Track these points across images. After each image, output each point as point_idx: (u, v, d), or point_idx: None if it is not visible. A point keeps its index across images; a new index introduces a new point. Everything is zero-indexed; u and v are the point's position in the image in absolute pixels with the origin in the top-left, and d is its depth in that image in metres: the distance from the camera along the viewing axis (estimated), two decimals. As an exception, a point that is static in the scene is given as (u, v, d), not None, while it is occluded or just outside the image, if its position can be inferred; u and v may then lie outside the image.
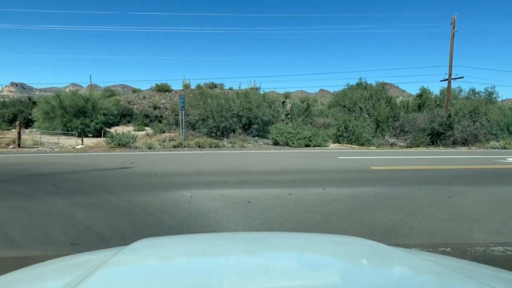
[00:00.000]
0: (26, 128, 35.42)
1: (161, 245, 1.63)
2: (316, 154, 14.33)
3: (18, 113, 43.87)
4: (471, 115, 22.72)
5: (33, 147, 17.05)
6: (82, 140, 18.19)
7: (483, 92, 30.36)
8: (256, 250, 1.51)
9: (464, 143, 20.21)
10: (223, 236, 2.43)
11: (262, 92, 23.35)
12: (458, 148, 19.43)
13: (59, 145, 18.41)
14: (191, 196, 6.21)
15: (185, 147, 16.67)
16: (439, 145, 19.98)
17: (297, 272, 1.14)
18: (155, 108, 48.45)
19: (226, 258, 1.35)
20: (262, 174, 8.53)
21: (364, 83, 26.58)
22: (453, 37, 20.38)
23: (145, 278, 1.09)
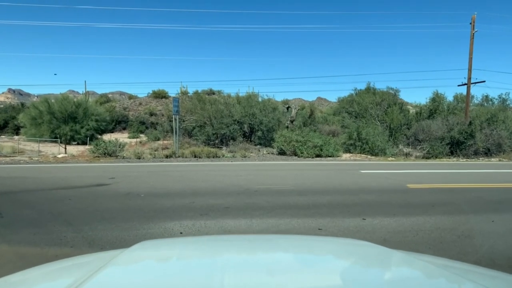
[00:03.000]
0: (17, 135, 33.71)
1: (162, 246, 1.65)
2: (332, 166, 12.50)
3: (9, 119, 42.11)
4: (488, 123, 21.01)
5: (9, 156, 15.17)
6: (65, 148, 16.32)
7: (496, 99, 28.73)
8: (258, 251, 1.49)
9: (487, 153, 18.44)
10: (225, 237, 2.48)
11: (266, 97, 21.53)
12: (484, 159, 17.64)
13: (41, 153, 16.55)
14: (181, 233, 4.39)
15: (179, 157, 14.78)
16: (459, 156, 18.21)
17: (299, 273, 1.14)
18: (151, 114, 46.60)
19: (227, 258, 1.36)
20: (274, 194, 6.71)
21: (373, 88, 24.85)
22: (473, 38, 18.75)
23: (148, 278, 1.07)
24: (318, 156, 15.84)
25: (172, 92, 55.86)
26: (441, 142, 18.46)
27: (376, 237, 4.26)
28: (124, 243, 4.04)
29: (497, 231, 4.59)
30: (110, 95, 72.26)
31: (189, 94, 33.47)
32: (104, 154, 14.02)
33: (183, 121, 20.16)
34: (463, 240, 4.24)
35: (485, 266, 3.42)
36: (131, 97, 62.92)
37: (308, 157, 15.57)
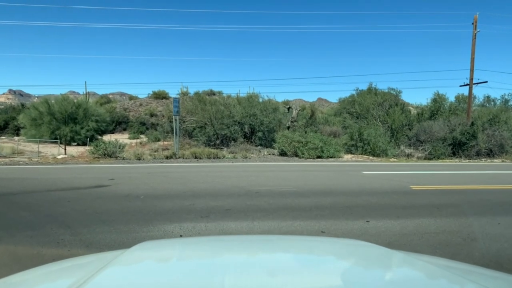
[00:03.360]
0: (17, 136, 33.66)
1: (163, 247, 1.64)
2: (334, 167, 12.40)
3: (9, 120, 42.05)
4: (490, 124, 20.88)
5: (8, 157, 15.08)
6: (65, 149, 16.23)
7: (499, 99, 28.59)
8: (259, 252, 1.48)
9: (489, 154, 18.32)
10: (225, 238, 2.42)
11: (266, 98, 21.38)
12: (486, 160, 17.52)
13: (41, 154, 16.46)
14: (181, 235, 4.29)
15: (179, 157, 14.68)
16: (461, 157, 18.09)
17: (300, 274, 1.13)
18: (151, 115, 46.57)
19: (228, 258, 1.36)
20: (276, 196, 6.61)
21: (374, 89, 24.71)
22: (475, 38, 18.64)
23: (149, 279, 1.07)
24: (319, 157, 15.73)
25: (173, 92, 55.90)
26: (443, 143, 18.36)
27: (380, 240, 4.16)
28: (122, 247, 3.93)
29: (504, 234, 4.48)
30: (110, 96, 72.37)
31: (189, 95, 33.39)
32: (104, 155, 13.93)
33: (184, 121, 20.07)
34: (469, 243, 4.14)
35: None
36: (131, 97, 62.97)
37: (309, 158, 15.47)
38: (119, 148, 14.31)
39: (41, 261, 3.57)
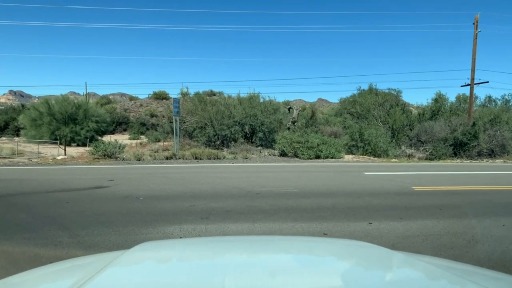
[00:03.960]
0: (17, 136, 33.63)
1: (163, 247, 1.64)
2: (335, 168, 12.33)
3: (9, 121, 42.01)
4: (491, 124, 20.80)
5: (8, 158, 15.03)
6: (65, 150, 16.17)
7: (500, 99, 28.51)
8: (259, 253, 1.48)
9: (491, 155, 18.24)
10: (226, 239, 2.41)
11: (267, 98, 21.30)
12: (488, 161, 17.44)
13: (40, 155, 16.41)
14: (181, 237, 4.23)
15: (179, 158, 14.62)
16: (462, 157, 18.01)
17: (300, 274, 1.13)
18: (152, 116, 46.51)
19: (228, 259, 1.36)
20: (277, 197, 6.54)
21: (375, 89, 24.67)
22: (476, 38, 18.57)
23: (149, 279, 1.07)
24: (319, 157, 15.66)
25: (173, 93, 55.87)
26: (444, 143, 18.27)
27: (383, 242, 4.09)
28: (121, 249, 3.87)
29: (509, 235, 4.41)
30: (111, 97, 72.42)
31: (190, 95, 33.32)
32: (104, 155, 13.87)
33: (184, 122, 20.02)
34: (474, 245, 4.07)
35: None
36: (132, 98, 62.96)
37: (309, 158, 15.40)
38: (119, 148, 14.25)
39: (38, 264, 3.50)
